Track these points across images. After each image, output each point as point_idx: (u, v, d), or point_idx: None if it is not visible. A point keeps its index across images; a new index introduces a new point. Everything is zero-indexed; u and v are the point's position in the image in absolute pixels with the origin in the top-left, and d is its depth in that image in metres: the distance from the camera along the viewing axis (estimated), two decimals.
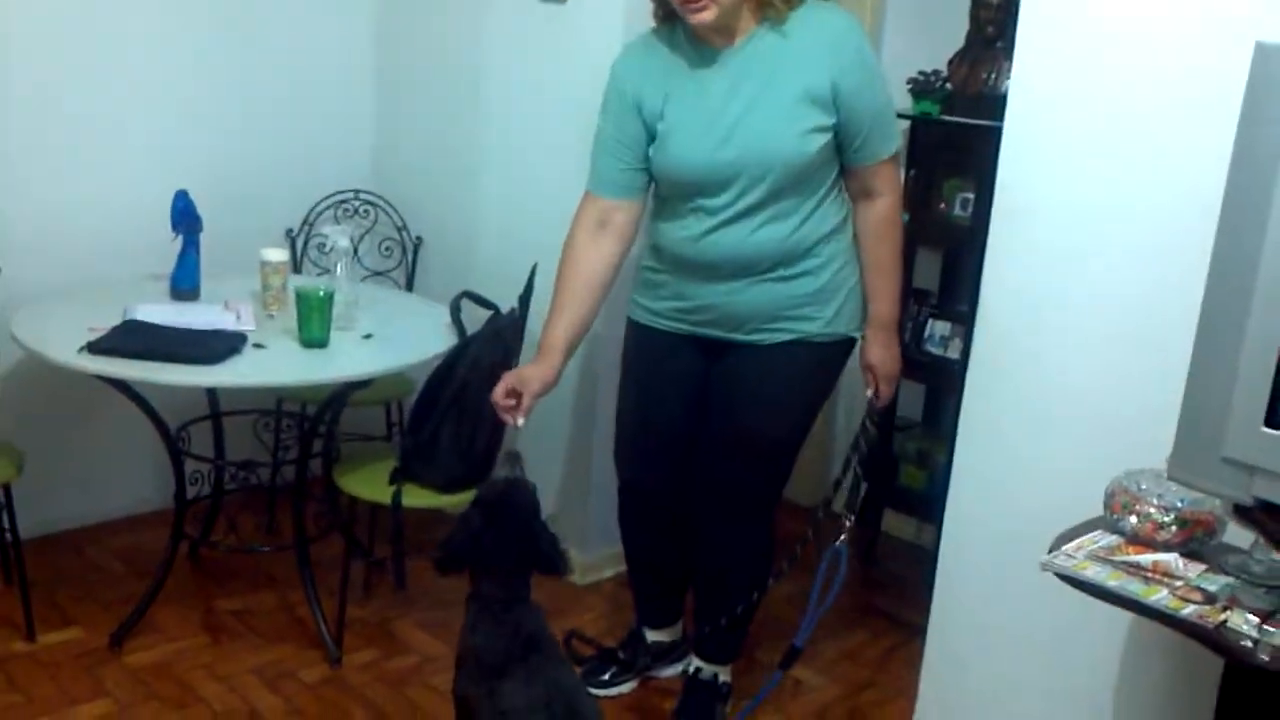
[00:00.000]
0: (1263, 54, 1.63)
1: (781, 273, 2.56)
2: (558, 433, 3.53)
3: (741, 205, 2.51)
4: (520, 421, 2.60)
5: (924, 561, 2.78)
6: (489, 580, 2.26)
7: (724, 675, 2.92)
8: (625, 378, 2.85)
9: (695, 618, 2.94)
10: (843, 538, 2.67)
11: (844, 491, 2.87)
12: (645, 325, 2.75)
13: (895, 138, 2.61)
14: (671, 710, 2.89)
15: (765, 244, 2.53)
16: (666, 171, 2.57)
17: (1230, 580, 1.96)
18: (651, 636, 3.06)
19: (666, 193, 2.62)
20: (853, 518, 2.73)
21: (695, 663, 2.91)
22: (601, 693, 2.92)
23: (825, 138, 2.48)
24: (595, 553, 3.55)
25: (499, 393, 2.58)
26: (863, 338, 2.68)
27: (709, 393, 2.71)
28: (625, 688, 3.00)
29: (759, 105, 2.46)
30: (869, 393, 2.74)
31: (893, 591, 3.60)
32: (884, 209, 2.61)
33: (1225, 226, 1.71)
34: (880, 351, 2.66)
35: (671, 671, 3.06)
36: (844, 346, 2.68)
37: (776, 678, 2.76)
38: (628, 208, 2.63)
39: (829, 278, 2.60)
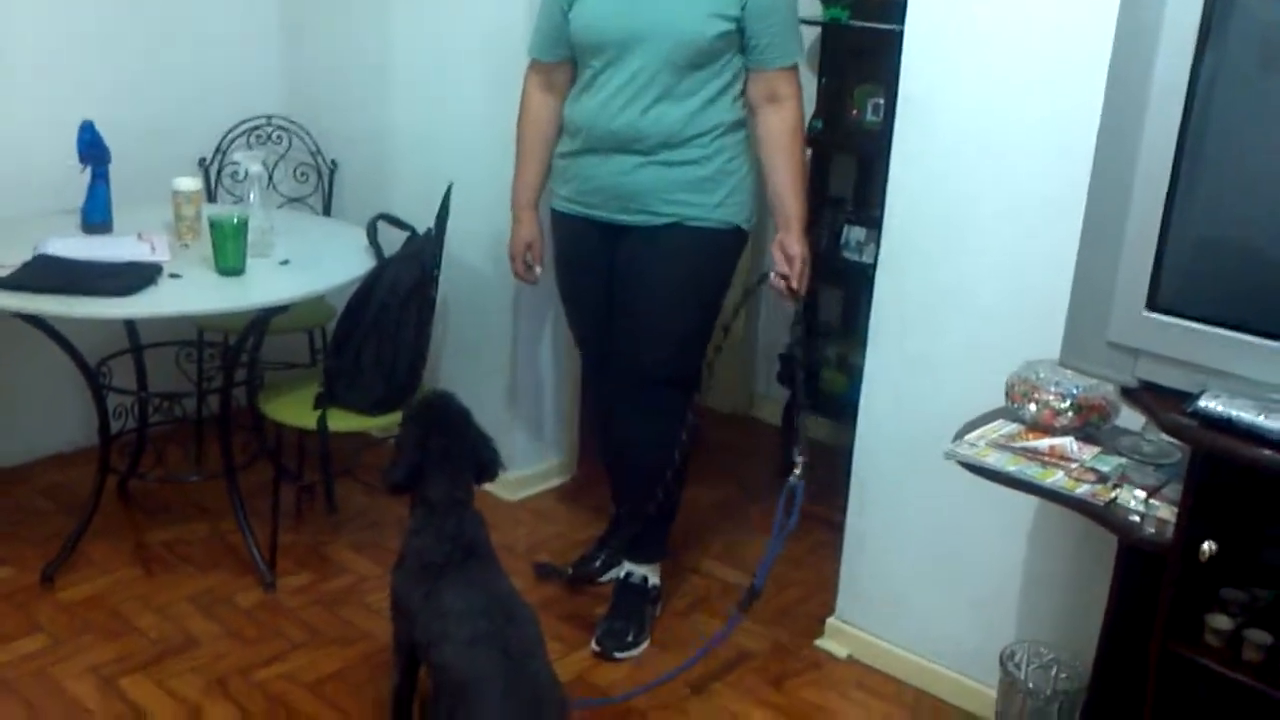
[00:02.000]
0: None
1: (667, 155, 2.68)
2: (481, 351, 3.56)
3: (641, 79, 2.63)
4: (538, 272, 3.03)
5: (844, 462, 2.85)
6: (435, 484, 2.30)
7: (653, 578, 3.00)
8: (555, 264, 3.01)
9: (618, 520, 3.05)
10: (796, 473, 2.69)
11: (806, 408, 2.88)
12: (559, 211, 2.90)
13: (800, 48, 2.71)
14: (602, 614, 2.96)
15: (656, 121, 2.65)
16: (577, 34, 2.72)
17: (1123, 460, 2.07)
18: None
19: (579, 59, 2.76)
20: (804, 455, 2.71)
21: (626, 566, 2.99)
22: (602, 579, 3.09)
23: (726, 26, 2.59)
24: (523, 470, 3.61)
25: (520, 271, 3.00)
26: (777, 240, 2.73)
27: (614, 278, 2.83)
28: (614, 573, 3.06)
29: None
30: (793, 284, 2.71)
31: (815, 492, 3.69)
32: (789, 112, 2.70)
33: (1106, 121, 1.78)
34: (798, 243, 2.71)
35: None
36: (732, 237, 2.77)
37: (735, 620, 2.79)
38: (564, 68, 2.83)
39: (716, 167, 2.70)
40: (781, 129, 2.70)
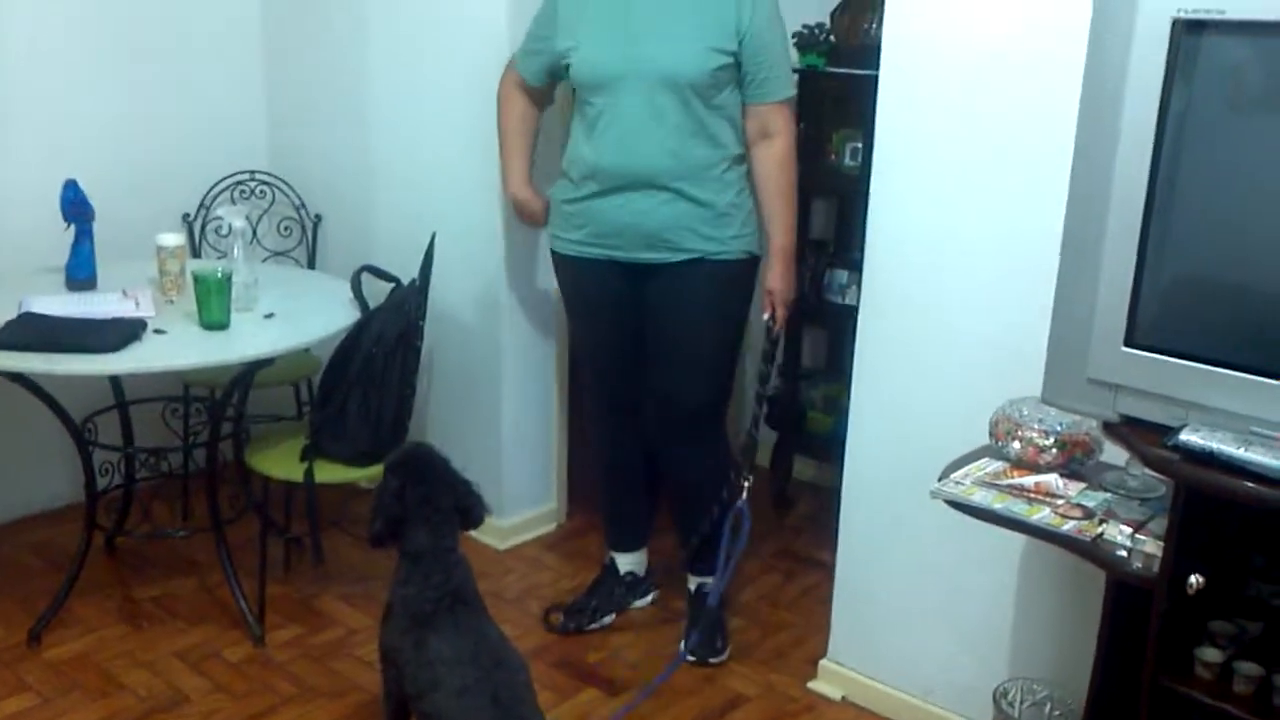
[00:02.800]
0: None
1: (683, 190, 2.74)
2: (468, 401, 3.56)
3: (647, 115, 2.71)
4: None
5: (833, 503, 2.86)
6: (417, 534, 2.30)
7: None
8: (568, 308, 3.07)
9: (681, 538, 3.11)
10: (743, 498, 2.81)
11: (753, 435, 2.99)
12: (568, 256, 2.93)
13: (791, 85, 2.81)
14: (684, 626, 3.06)
15: (670, 157, 2.72)
16: (578, 74, 2.79)
17: (1108, 496, 2.08)
18: (623, 565, 3.21)
19: (581, 95, 2.83)
20: (750, 479, 2.86)
21: (694, 580, 3.12)
22: (592, 626, 3.12)
23: (725, 60, 2.69)
24: (513, 518, 3.60)
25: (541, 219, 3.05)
26: (762, 271, 2.85)
27: (642, 319, 2.89)
28: (608, 619, 3.15)
29: (668, 19, 2.70)
30: (765, 317, 2.88)
31: (805, 534, 3.70)
32: (780, 147, 2.79)
33: (1079, 162, 1.81)
34: (780, 277, 2.84)
35: (642, 603, 3.23)
36: (751, 265, 2.86)
37: (685, 650, 2.95)
38: (538, 91, 3.01)
39: (729, 200, 2.78)
40: (772, 164, 2.78)
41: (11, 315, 2.80)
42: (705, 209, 2.76)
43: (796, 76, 3.66)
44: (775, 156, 2.79)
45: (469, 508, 2.36)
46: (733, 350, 2.95)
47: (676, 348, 2.88)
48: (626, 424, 3.06)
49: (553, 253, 3.00)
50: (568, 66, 2.81)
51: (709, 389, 2.93)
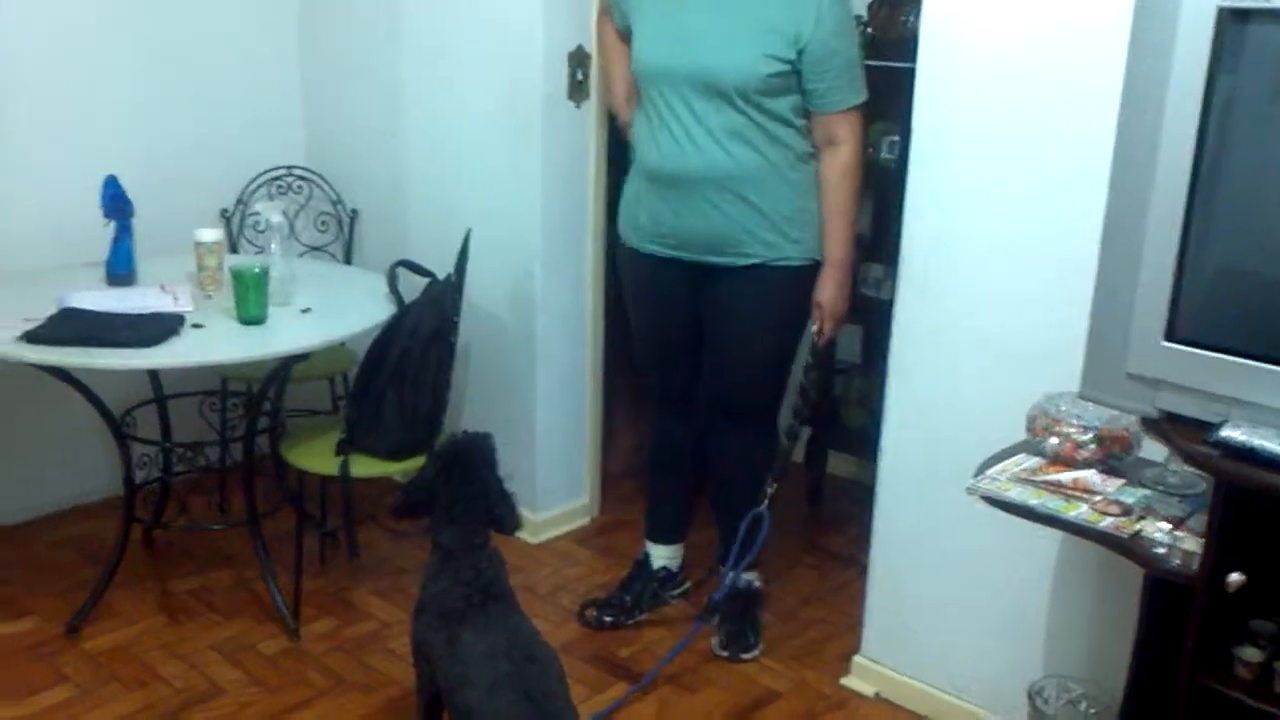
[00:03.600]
0: None
1: (741, 194, 2.71)
2: (503, 396, 3.57)
3: (702, 116, 2.68)
4: None
5: (867, 499, 2.85)
6: (448, 530, 2.31)
7: (756, 581, 3.10)
8: (629, 298, 3.05)
9: (721, 533, 3.09)
10: (765, 504, 2.82)
11: (795, 436, 3.01)
12: (632, 247, 2.93)
13: (860, 91, 2.72)
14: (716, 620, 3.03)
15: (726, 161, 2.69)
16: (635, 66, 2.79)
17: (1147, 492, 2.06)
18: (657, 560, 3.20)
19: (640, 84, 2.81)
20: (775, 485, 2.87)
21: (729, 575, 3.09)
22: (628, 620, 3.13)
23: (781, 67, 2.63)
24: (546, 512, 3.61)
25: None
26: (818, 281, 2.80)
27: (701, 317, 2.90)
28: (643, 616, 3.16)
29: (725, 21, 2.65)
30: (814, 328, 2.85)
31: (839, 530, 3.69)
32: (844, 156, 2.73)
33: (1120, 154, 1.79)
34: (831, 290, 2.79)
35: (676, 598, 3.22)
36: (812, 270, 2.81)
37: (696, 628, 2.94)
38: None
39: (791, 205, 2.74)
40: (832, 174, 2.73)
41: (52, 310, 2.83)
42: (763, 214, 2.73)
43: None
44: (837, 167, 2.73)
45: (499, 517, 2.36)
46: (789, 352, 2.94)
47: (733, 350, 2.87)
48: (679, 416, 3.07)
49: (621, 243, 2.99)
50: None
51: (762, 390, 2.94)
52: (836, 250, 2.76)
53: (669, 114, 2.73)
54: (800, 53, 2.62)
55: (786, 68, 2.63)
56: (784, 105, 2.68)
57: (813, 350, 2.88)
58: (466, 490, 2.33)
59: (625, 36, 2.90)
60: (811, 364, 2.90)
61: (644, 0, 2.78)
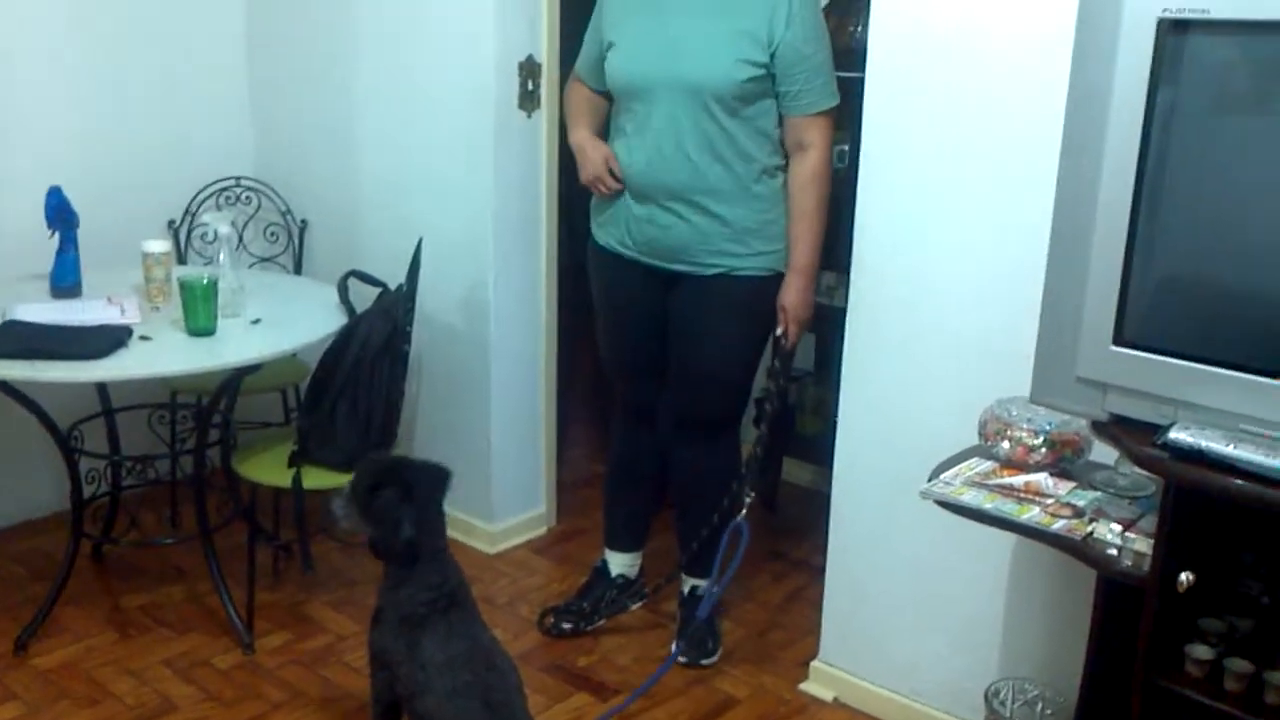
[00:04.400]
0: None
1: (709, 205, 2.72)
2: (456, 406, 3.55)
3: (676, 126, 2.69)
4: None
5: (823, 506, 2.86)
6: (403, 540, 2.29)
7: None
8: (597, 303, 3.03)
9: (680, 541, 3.10)
10: (743, 514, 2.82)
11: (759, 445, 3.00)
12: (602, 246, 2.92)
13: (831, 95, 2.72)
14: (675, 628, 3.08)
15: (697, 171, 2.70)
16: (611, 77, 2.80)
17: (1098, 494, 2.08)
18: (615, 567, 3.21)
19: (616, 103, 2.84)
20: (752, 495, 2.88)
21: (689, 582, 3.11)
22: (586, 626, 3.13)
23: (756, 72, 2.64)
24: (502, 522, 3.59)
25: (610, 183, 2.83)
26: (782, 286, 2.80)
27: (666, 324, 2.90)
28: (601, 621, 3.15)
29: (701, 29, 2.67)
30: (778, 332, 2.83)
31: (794, 536, 3.70)
32: (812, 161, 2.73)
33: (1065, 162, 1.81)
34: (795, 295, 2.78)
35: (635, 606, 3.22)
36: (774, 281, 2.81)
37: (676, 652, 2.94)
38: (604, 97, 2.92)
39: (757, 216, 2.75)
40: (801, 177, 2.73)
41: None
42: (728, 225, 2.73)
43: None
44: (804, 171, 2.72)
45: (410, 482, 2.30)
46: (751, 364, 2.94)
47: (695, 359, 2.88)
48: (641, 422, 3.07)
49: (592, 243, 2.97)
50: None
51: (724, 400, 2.94)
52: (802, 256, 2.76)
53: (641, 123, 2.74)
54: (772, 56, 2.64)
55: (760, 72, 2.65)
56: (758, 114, 2.70)
57: (779, 357, 2.87)
58: (409, 492, 2.29)
59: (596, 88, 2.90)
60: (779, 370, 2.89)
61: (626, 15, 2.77)
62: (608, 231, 2.90)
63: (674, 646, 3.00)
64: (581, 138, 2.92)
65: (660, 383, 2.99)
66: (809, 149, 2.72)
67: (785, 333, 2.82)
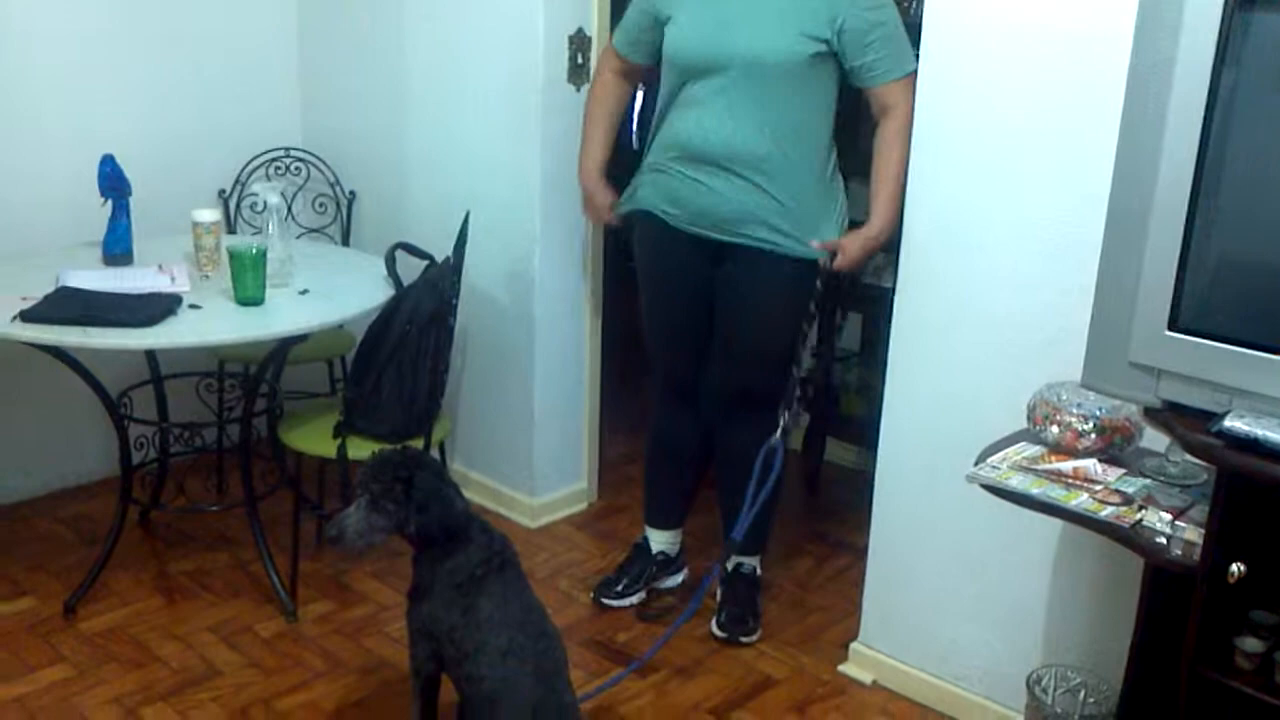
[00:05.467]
0: None
1: (762, 180, 2.70)
2: (500, 379, 3.56)
3: (734, 100, 2.67)
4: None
5: (866, 487, 2.84)
6: (436, 522, 2.29)
7: (759, 567, 3.13)
8: (641, 276, 3.03)
9: (724, 517, 3.11)
10: (778, 434, 2.79)
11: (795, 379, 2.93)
12: (647, 212, 2.90)
13: (909, 59, 2.66)
14: (718, 603, 3.08)
15: (750, 143, 2.68)
16: (670, 52, 2.77)
17: (1148, 482, 2.05)
18: (656, 544, 3.21)
19: (671, 78, 2.80)
20: (787, 413, 2.85)
21: (732, 561, 3.11)
22: (615, 603, 3.15)
23: (818, 47, 2.63)
24: (544, 496, 3.60)
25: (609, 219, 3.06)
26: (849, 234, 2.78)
27: (712, 299, 2.88)
28: (635, 598, 3.17)
29: (763, 5, 2.65)
30: (822, 260, 2.77)
31: (838, 517, 3.68)
32: (898, 120, 2.68)
33: (1125, 141, 1.77)
34: (857, 249, 2.75)
35: (672, 582, 3.24)
36: (828, 262, 2.79)
37: (716, 570, 3.01)
38: (635, 68, 2.96)
39: (808, 196, 2.73)
40: (886, 135, 2.71)
41: (49, 289, 2.82)
42: (778, 203, 2.71)
43: None
44: (889, 133, 2.69)
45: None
46: (795, 341, 2.91)
47: (739, 336, 2.87)
48: (683, 399, 3.05)
49: (634, 212, 2.95)
50: (662, 36, 2.78)
51: (767, 376, 2.91)
52: (879, 209, 2.71)
53: (696, 96, 2.72)
54: (839, 32, 2.62)
55: (823, 48, 2.63)
56: (818, 90, 2.69)
57: (821, 272, 2.78)
58: (423, 476, 2.28)
59: (633, 72, 2.95)
60: (817, 286, 2.80)
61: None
62: (649, 196, 2.87)
63: (714, 622, 3.01)
64: (589, 180, 3.03)
65: (702, 359, 2.97)
66: (892, 109, 2.69)
67: (833, 259, 2.75)
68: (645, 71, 3.00)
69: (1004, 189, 2.43)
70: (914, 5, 3.38)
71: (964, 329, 2.54)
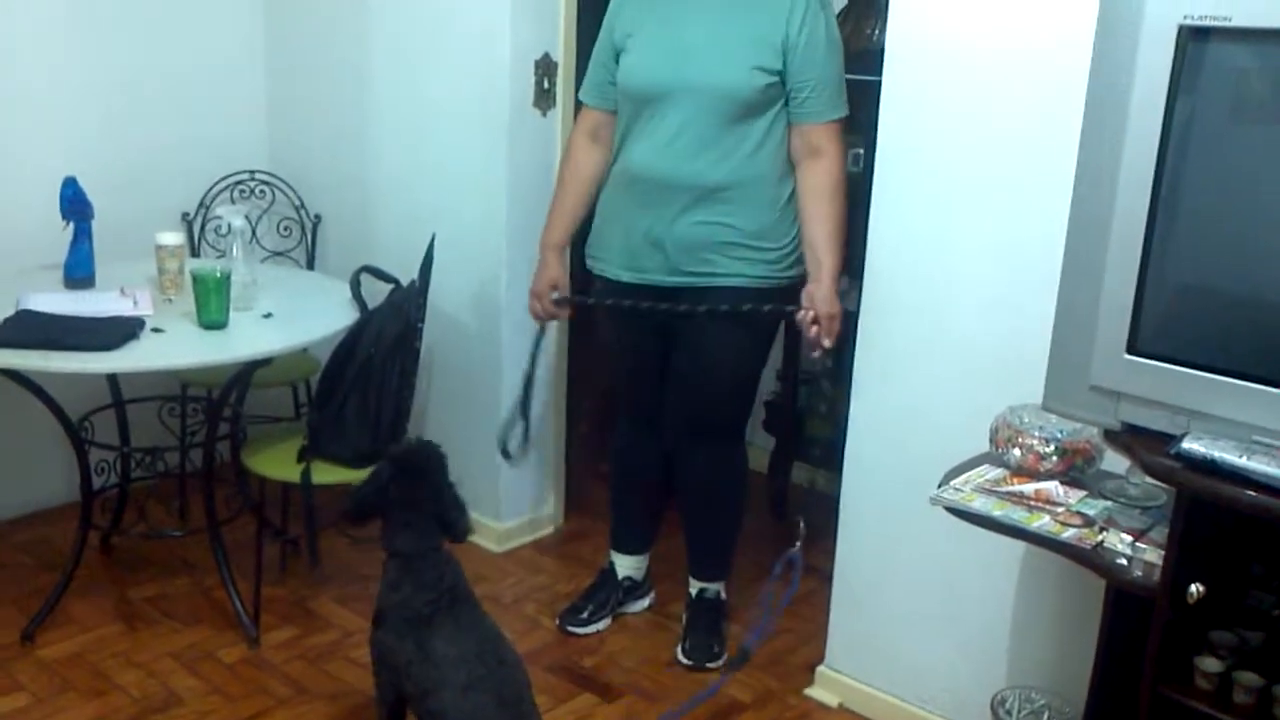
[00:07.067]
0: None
1: (716, 209, 2.71)
2: (467, 403, 3.55)
3: (687, 130, 2.68)
4: (557, 317, 3.08)
5: (832, 510, 2.85)
6: (401, 534, 2.30)
7: (722, 592, 3.13)
8: (600, 327, 3.05)
9: (688, 544, 3.13)
10: (798, 545, 2.64)
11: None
12: (601, 276, 2.93)
13: (841, 107, 2.72)
14: (682, 629, 3.09)
15: (703, 173, 2.70)
16: (625, 82, 2.78)
17: (1108, 504, 2.07)
18: (622, 569, 3.21)
19: (627, 109, 2.81)
20: (805, 525, 2.66)
21: (696, 585, 3.11)
22: (581, 630, 3.13)
23: (770, 79, 2.65)
24: (510, 520, 3.59)
25: (544, 309, 2.99)
26: (807, 291, 2.72)
27: (672, 335, 2.89)
28: (601, 624, 3.16)
29: (717, 37, 2.67)
30: (815, 355, 2.78)
31: (803, 540, 3.68)
32: (832, 167, 2.70)
33: (1082, 169, 1.80)
34: (828, 303, 2.68)
35: (639, 606, 3.25)
36: (783, 291, 2.80)
37: (722, 680, 2.89)
38: (609, 121, 2.89)
39: (766, 226, 2.74)
40: (822, 182, 2.70)
41: (9, 313, 2.79)
42: (738, 232, 2.72)
43: None
44: (826, 179, 2.68)
45: (451, 523, 2.35)
46: (756, 370, 2.94)
47: (701, 371, 2.86)
48: (646, 425, 3.05)
49: (591, 272, 2.97)
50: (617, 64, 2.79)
51: (730, 409, 2.94)
52: (829, 259, 2.68)
53: (652, 126, 2.73)
54: (785, 60, 2.64)
55: (775, 79, 2.65)
56: (771, 123, 2.69)
57: (824, 361, 2.75)
58: (420, 493, 2.32)
59: (606, 124, 2.88)
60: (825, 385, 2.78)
61: (640, 22, 2.76)
62: (607, 263, 2.88)
63: (679, 649, 3.00)
64: (547, 251, 2.96)
65: (663, 387, 2.97)
66: (823, 155, 2.69)
67: (819, 341, 2.69)
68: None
69: (965, 215, 2.45)
70: (875, 32, 3.42)
71: (927, 352, 2.56)
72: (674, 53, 2.70)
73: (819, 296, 2.68)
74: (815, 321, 2.68)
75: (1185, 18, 1.65)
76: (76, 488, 3.07)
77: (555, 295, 2.97)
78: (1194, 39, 1.66)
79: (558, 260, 2.98)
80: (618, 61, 2.80)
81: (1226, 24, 1.63)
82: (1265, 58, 1.66)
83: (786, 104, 2.70)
